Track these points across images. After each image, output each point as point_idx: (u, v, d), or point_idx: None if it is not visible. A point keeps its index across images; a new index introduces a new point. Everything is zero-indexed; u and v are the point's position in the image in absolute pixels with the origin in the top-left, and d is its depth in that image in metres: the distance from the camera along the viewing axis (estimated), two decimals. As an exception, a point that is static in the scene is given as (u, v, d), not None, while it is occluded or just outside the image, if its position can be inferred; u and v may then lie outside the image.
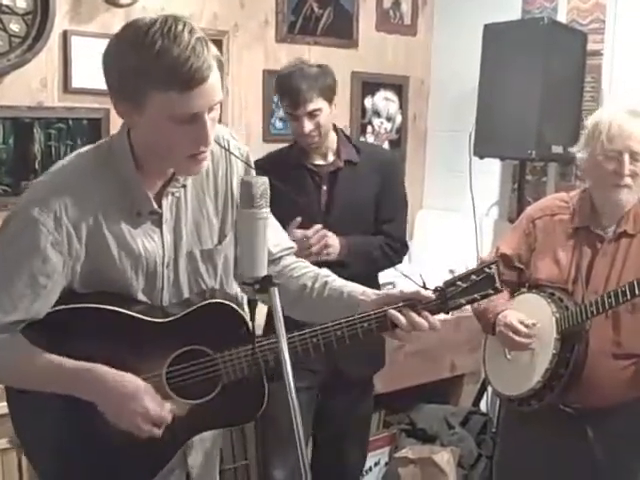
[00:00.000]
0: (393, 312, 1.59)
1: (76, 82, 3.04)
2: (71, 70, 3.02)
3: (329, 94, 2.57)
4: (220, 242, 1.69)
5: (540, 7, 3.66)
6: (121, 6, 3.12)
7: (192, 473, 1.75)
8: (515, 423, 2.43)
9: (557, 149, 3.32)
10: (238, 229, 1.47)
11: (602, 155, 2.17)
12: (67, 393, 1.53)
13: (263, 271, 1.41)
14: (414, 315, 1.59)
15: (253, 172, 1.74)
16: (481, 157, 3.51)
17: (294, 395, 1.33)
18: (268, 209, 1.41)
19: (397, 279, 3.56)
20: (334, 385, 2.69)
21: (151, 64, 1.40)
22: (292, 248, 1.83)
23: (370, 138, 3.98)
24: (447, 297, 1.60)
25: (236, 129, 3.50)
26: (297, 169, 2.64)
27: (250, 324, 1.50)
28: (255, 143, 3.58)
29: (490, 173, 3.81)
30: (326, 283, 1.71)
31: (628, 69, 3.35)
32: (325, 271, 1.77)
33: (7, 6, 2.86)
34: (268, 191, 1.41)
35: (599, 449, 2.22)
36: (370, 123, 3.97)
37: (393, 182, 2.78)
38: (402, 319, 1.59)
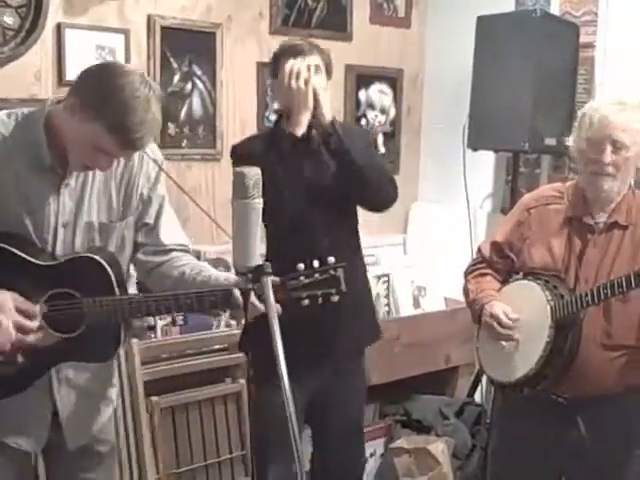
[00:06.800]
0: (235, 292, 1.72)
1: (70, 75, 3.00)
2: (65, 63, 3.00)
3: None
4: (119, 220, 1.92)
5: (533, -1, 3.67)
6: (114, -1, 3.13)
7: (60, 409, 1.94)
8: (508, 412, 2.45)
9: (550, 141, 3.33)
10: (232, 219, 1.49)
11: (585, 142, 2.19)
12: None
13: (256, 260, 1.42)
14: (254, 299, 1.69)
15: (162, 176, 1.97)
16: (475, 149, 3.52)
17: (287, 388, 1.33)
18: (261, 200, 1.42)
19: (392, 271, 3.59)
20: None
21: (110, 110, 1.67)
22: (186, 246, 2.04)
23: (365, 131, 3.97)
24: (288, 288, 1.69)
25: (230, 122, 3.51)
26: None
27: (114, 280, 1.81)
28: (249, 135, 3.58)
29: (484, 165, 3.82)
30: (200, 271, 1.93)
31: (621, 61, 3.35)
32: (204, 265, 2.01)
33: (0, -1, 2.86)
34: (260, 182, 1.41)
35: (589, 438, 2.23)
36: (364, 116, 3.97)
37: None
38: (238, 296, 1.72)
